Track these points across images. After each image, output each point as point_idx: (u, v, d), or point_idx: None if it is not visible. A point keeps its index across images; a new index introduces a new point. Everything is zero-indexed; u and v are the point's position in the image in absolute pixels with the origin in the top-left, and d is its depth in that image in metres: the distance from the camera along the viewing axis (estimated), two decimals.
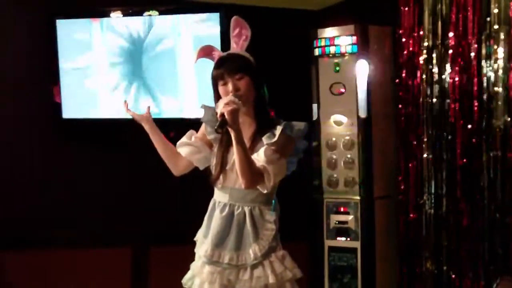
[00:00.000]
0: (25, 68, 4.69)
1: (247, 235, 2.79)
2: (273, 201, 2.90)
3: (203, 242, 2.89)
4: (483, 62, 3.88)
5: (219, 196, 2.88)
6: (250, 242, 2.78)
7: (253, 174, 2.69)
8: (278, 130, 2.73)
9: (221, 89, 2.79)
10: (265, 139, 2.74)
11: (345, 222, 4.32)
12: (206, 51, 2.91)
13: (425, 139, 4.14)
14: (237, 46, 2.85)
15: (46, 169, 4.73)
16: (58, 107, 4.68)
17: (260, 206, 2.81)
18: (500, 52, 3.79)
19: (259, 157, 2.72)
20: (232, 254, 2.79)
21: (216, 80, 2.81)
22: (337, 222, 4.35)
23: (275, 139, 2.72)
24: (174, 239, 4.55)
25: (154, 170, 4.68)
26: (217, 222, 2.84)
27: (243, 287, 2.78)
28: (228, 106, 2.65)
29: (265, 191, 2.75)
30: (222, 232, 2.82)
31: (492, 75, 3.83)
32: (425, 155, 4.14)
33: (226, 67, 2.79)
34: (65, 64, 4.67)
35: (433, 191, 4.12)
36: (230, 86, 2.76)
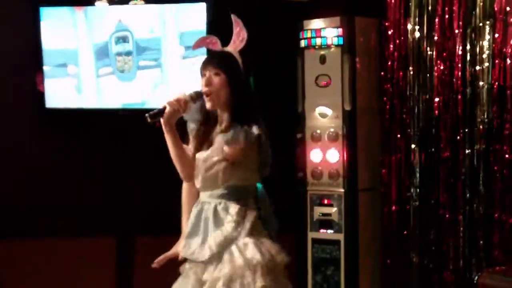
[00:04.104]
0: (8, 56, 4.64)
1: (210, 230, 2.81)
2: (258, 189, 2.90)
3: None
4: (468, 55, 3.90)
5: (200, 195, 2.92)
6: (210, 235, 2.80)
7: (184, 171, 2.84)
8: (229, 133, 2.77)
9: (201, 80, 2.86)
10: (218, 137, 2.82)
11: (329, 214, 4.33)
12: (207, 42, 2.98)
13: (411, 132, 4.15)
14: (234, 44, 2.90)
15: (30, 159, 4.69)
16: (41, 96, 4.65)
17: (227, 202, 2.82)
18: (485, 45, 3.82)
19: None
20: (196, 248, 2.81)
21: (200, 71, 2.88)
22: (320, 214, 4.36)
23: (225, 139, 2.77)
24: (159, 230, 4.54)
25: (140, 160, 4.73)
26: (191, 219, 2.89)
27: (209, 277, 2.78)
28: (175, 104, 2.75)
29: (197, 186, 2.84)
30: (193, 229, 2.86)
31: (477, 68, 3.86)
32: (412, 147, 4.16)
33: (208, 60, 2.88)
34: (49, 52, 4.63)
35: (416, 184, 4.14)
36: (203, 80, 2.84)
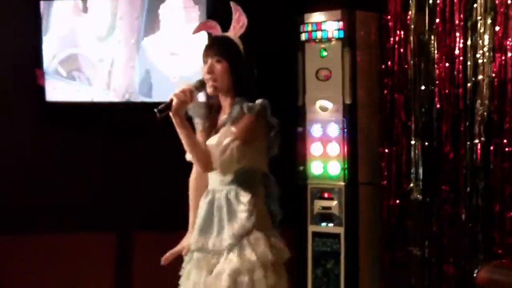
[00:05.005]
0: (8, 50, 4.64)
1: (224, 220, 2.79)
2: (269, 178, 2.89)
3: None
4: (469, 49, 3.90)
5: (209, 184, 2.91)
6: (225, 226, 2.79)
7: (202, 160, 2.77)
8: (233, 110, 2.78)
9: (203, 67, 2.85)
10: (223, 119, 2.81)
11: (329, 208, 4.33)
12: (207, 26, 3.01)
13: (412, 126, 4.15)
14: (234, 30, 2.90)
15: (30, 154, 4.69)
16: (41, 90, 4.64)
17: (237, 188, 2.80)
18: (486, 39, 3.81)
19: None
20: (215, 240, 2.79)
21: (202, 58, 2.88)
22: (321, 208, 4.36)
23: (231, 116, 2.77)
24: (159, 225, 4.55)
25: (140, 155, 4.73)
26: (202, 209, 2.87)
27: (219, 269, 2.76)
28: (181, 95, 2.72)
29: (218, 172, 2.79)
30: (206, 219, 2.84)
31: (477, 61, 3.86)
32: (412, 142, 4.16)
33: (209, 47, 2.86)
34: (49, 46, 4.63)
35: (417, 177, 4.14)
36: (205, 67, 2.82)
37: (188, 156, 2.89)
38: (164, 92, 4.31)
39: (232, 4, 2.90)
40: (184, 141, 2.77)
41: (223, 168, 2.77)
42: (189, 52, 4.44)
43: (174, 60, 4.56)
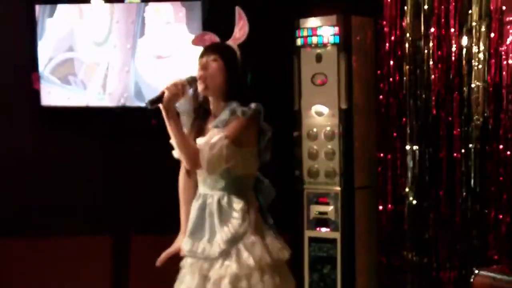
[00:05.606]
0: (4, 53, 4.64)
1: (216, 226, 2.78)
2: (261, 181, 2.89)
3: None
4: (464, 55, 3.92)
5: (199, 187, 2.90)
6: (217, 231, 2.77)
7: (190, 156, 2.74)
8: (225, 113, 2.77)
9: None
10: (214, 122, 2.80)
11: (325, 213, 4.33)
12: (205, 39, 2.97)
13: (407, 131, 4.16)
14: (234, 38, 2.90)
15: (29, 155, 4.69)
16: (36, 94, 4.64)
17: (230, 194, 2.80)
18: (481, 44, 3.83)
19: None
20: (205, 245, 2.78)
21: (198, 60, 2.87)
22: (317, 213, 4.36)
23: (222, 119, 2.76)
24: (156, 229, 4.55)
25: (137, 158, 4.73)
26: (193, 214, 2.86)
27: (215, 275, 2.76)
28: (172, 88, 2.72)
29: (205, 171, 2.76)
30: (197, 223, 2.83)
31: (472, 67, 3.87)
32: (408, 147, 4.17)
33: (206, 49, 2.87)
34: (44, 50, 4.62)
35: (412, 182, 4.15)
36: (200, 65, 2.82)
37: (176, 153, 2.88)
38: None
39: (237, 10, 2.89)
40: (172, 134, 2.75)
41: (211, 165, 2.72)
42: (175, 57, 4.45)
43: (159, 65, 4.55)
